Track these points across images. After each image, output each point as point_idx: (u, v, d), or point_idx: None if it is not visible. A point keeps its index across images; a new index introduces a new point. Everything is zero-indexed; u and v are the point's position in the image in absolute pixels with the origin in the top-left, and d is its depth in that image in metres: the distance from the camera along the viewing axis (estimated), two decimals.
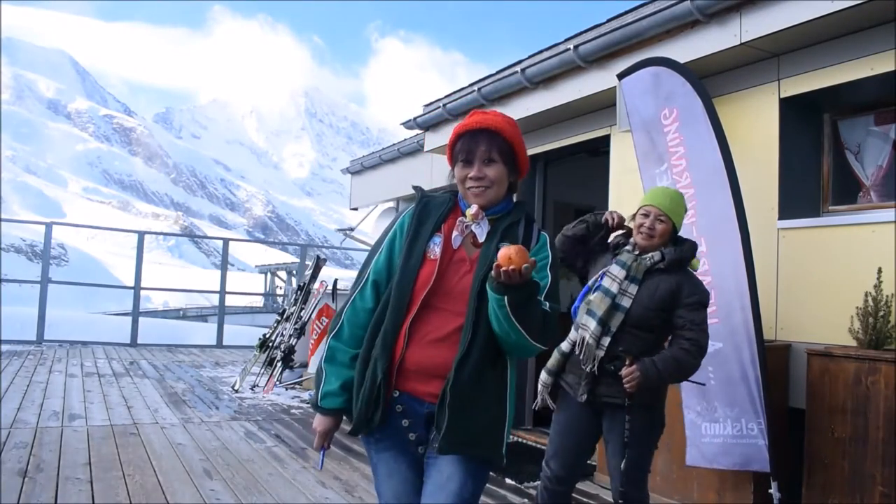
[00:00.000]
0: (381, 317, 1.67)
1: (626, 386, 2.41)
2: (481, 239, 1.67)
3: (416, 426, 1.66)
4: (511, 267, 1.43)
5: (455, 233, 1.68)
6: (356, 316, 1.73)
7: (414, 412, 1.65)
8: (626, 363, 2.42)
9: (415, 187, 1.83)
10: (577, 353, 2.54)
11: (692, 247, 2.60)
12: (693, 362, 2.46)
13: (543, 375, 2.67)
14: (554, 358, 2.65)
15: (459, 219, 1.69)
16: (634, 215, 2.65)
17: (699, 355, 2.47)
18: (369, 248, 1.84)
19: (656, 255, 2.53)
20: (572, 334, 2.61)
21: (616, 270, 2.53)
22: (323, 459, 1.92)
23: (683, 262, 2.56)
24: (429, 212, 1.73)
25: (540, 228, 1.76)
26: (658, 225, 2.54)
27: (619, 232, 2.73)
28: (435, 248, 1.67)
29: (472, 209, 1.66)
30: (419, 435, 1.67)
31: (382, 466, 1.71)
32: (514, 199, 1.78)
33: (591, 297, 2.55)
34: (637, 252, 2.58)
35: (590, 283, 2.61)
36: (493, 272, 1.47)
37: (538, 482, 2.75)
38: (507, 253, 1.45)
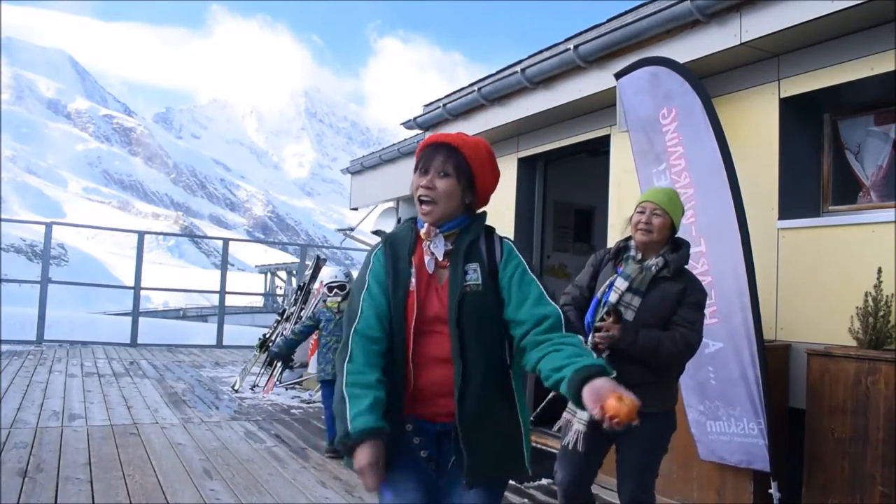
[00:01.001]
0: (389, 367, 1.63)
1: (596, 337, 2.38)
2: (440, 257, 1.66)
3: (427, 443, 1.66)
4: (616, 420, 1.33)
5: (426, 258, 1.67)
6: (367, 343, 1.63)
7: (424, 431, 1.65)
8: (611, 319, 2.38)
9: (374, 232, 1.82)
10: None
11: (688, 247, 2.60)
12: (674, 352, 2.43)
13: (582, 413, 2.47)
14: None
15: (424, 244, 1.69)
16: (631, 217, 2.63)
17: (685, 351, 2.46)
18: (369, 249, 1.83)
19: (660, 262, 2.51)
20: None
21: (620, 283, 2.51)
22: (391, 499, 1.63)
23: (684, 267, 2.57)
24: (397, 249, 1.71)
25: (501, 237, 1.73)
26: (655, 219, 2.51)
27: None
28: (412, 280, 1.66)
29: (424, 229, 1.67)
30: (430, 452, 1.67)
31: (388, 490, 1.66)
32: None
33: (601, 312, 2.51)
34: (640, 257, 2.55)
35: (598, 295, 2.57)
36: (593, 405, 1.35)
37: (539, 482, 2.75)
38: (614, 408, 1.33)
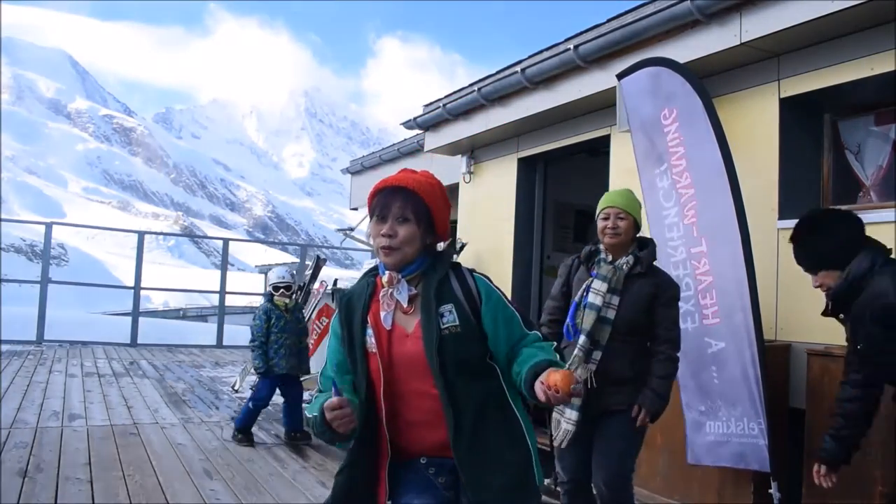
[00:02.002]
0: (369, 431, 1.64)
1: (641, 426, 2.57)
2: (404, 303, 1.62)
3: (442, 472, 1.64)
4: (556, 394, 1.43)
5: (382, 312, 1.63)
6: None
7: (438, 463, 1.64)
8: (641, 415, 2.54)
9: (334, 289, 1.79)
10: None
11: (654, 244, 2.74)
12: (676, 365, 2.63)
13: (570, 412, 2.58)
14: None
15: (381, 294, 1.64)
16: (595, 223, 2.71)
17: (678, 352, 2.62)
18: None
19: (630, 260, 2.62)
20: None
21: (598, 285, 2.61)
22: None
23: (653, 263, 2.69)
24: (353, 308, 1.68)
25: (471, 271, 1.70)
26: (620, 222, 2.63)
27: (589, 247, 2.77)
28: (371, 341, 1.62)
29: (386, 276, 1.63)
30: (447, 480, 1.64)
31: None
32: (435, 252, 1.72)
33: (582, 314, 2.60)
34: (610, 259, 2.64)
35: (576, 299, 2.66)
36: (537, 393, 1.47)
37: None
38: (553, 379, 1.45)
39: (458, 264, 1.72)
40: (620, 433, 2.56)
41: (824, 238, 2.27)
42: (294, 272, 5.50)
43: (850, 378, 2.26)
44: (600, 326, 2.56)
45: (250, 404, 5.00)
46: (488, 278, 1.69)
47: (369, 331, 1.63)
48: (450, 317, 1.59)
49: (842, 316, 2.30)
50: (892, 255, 2.27)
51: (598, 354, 2.55)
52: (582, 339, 2.55)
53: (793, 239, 2.37)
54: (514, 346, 1.63)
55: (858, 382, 2.23)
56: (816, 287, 2.30)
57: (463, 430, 1.55)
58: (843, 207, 3.63)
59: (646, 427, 2.61)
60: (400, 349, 1.61)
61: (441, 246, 1.74)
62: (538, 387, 1.46)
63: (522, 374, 1.55)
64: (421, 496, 1.63)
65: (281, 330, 5.08)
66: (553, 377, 1.44)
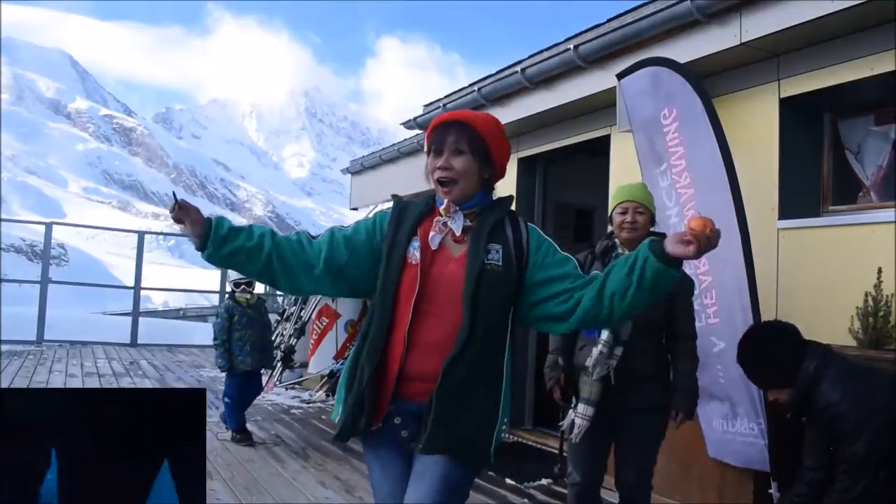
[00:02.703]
0: (368, 325, 1.66)
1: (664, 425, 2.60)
2: (458, 233, 1.64)
3: (407, 422, 1.65)
4: (708, 230, 1.43)
5: (432, 233, 1.64)
6: (299, 247, 1.71)
7: (404, 410, 1.64)
8: (676, 419, 2.56)
9: (393, 196, 1.81)
10: (589, 365, 2.52)
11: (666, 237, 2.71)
12: (697, 359, 2.64)
13: (584, 407, 2.52)
14: (593, 386, 2.52)
15: (436, 218, 1.66)
16: (610, 216, 2.69)
17: (696, 344, 2.65)
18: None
19: None
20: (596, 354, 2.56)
21: None
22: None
23: None
24: (405, 216, 1.69)
25: (526, 221, 1.73)
26: (639, 217, 2.61)
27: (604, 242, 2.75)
28: (415, 253, 1.63)
29: (444, 205, 1.65)
30: (411, 431, 1.65)
31: (377, 465, 1.71)
32: (495, 196, 1.75)
33: None
34: (626, 254, 2.60)
35: None
36: (682, 246, 1.47)
37: (539, 482, 2.76)
38: (692, 225, 1.46)
39: (515, 212, 1.74)
40: (644, 434, 2.56)
41: (766, 360, 2.36)
42: None
43: (816, 448, 2.36)
44: (624, 322, 2.49)
45: (226, 400, 5.01)
46: (539, 227, 1.73)
47: (416, 242, 1.64)
48: (495, 255, 1.61)
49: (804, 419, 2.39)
50: (830, 348, 2.37)
51: (619, 350, 2.50)
52: (605, 334, 2.49)
53: (739, 362, 2.49)
54: (586, 282, 1.63)
55: (822, 451, 2.32)
56: (773, 400, 2.43)
57: (461, 362, 1.56)
58: (843, 207, 3.64)
59: (666, 425, 2.60)
60: (442, 269, 1.62)
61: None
62: (683, 242, 1.46)
63: (644, 257, 1.55)
64: (393, 454, 1.67)
65: (244, 326, 5.06)
66: (691, 224, 1.45)
